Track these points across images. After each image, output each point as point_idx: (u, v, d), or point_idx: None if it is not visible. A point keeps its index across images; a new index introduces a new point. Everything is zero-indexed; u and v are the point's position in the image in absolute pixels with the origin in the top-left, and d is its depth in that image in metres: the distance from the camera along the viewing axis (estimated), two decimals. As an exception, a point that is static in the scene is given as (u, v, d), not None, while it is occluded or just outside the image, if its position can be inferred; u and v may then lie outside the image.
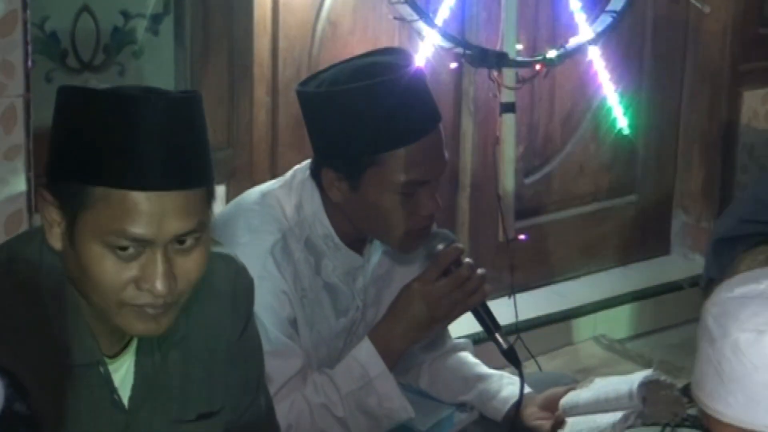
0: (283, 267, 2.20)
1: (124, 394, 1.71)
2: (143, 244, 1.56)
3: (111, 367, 1.69)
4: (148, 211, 1.54)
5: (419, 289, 2.20)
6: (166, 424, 1.75)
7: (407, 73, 2.18)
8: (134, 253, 1.56)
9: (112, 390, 1.69)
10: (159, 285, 1.56)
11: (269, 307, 2.17)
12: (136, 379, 1.72)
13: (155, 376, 1.73)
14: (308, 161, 2.28)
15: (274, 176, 2.56)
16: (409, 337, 2.22)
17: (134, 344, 1.71)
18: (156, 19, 2.86)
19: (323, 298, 2.27)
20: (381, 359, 2.20)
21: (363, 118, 2.15)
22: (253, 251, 2.16)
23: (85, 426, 1.67)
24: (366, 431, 2.23)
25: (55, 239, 1.60)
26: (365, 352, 2.21)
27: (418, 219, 2.20)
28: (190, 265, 1.60)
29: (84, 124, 1.56)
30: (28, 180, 2.23)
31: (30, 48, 2.24)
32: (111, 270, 1.56)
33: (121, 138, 1.55)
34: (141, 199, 1.54)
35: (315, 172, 2.24)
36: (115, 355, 1.70)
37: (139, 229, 1.54)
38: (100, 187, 1.55)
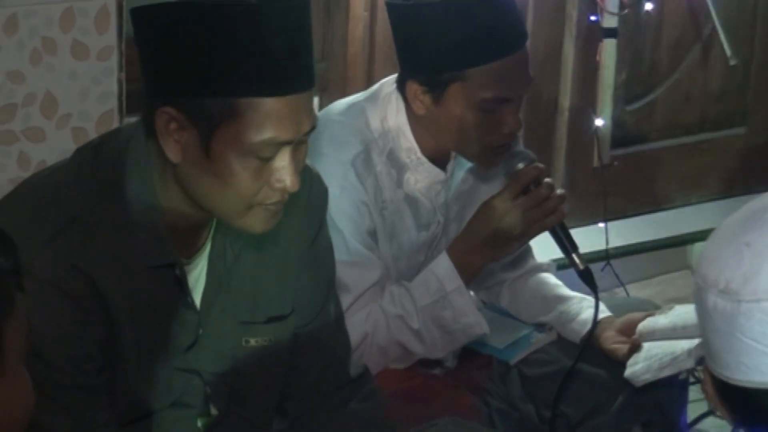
0: (363, 178, 2.21)
1: (197, 294, 1.74)
2: (281, 145, 1.60)
3: (185, 269, 1.72)
4: (288, 114, 1.60)
5: (497, 206, 2.19)
6: (237, 325, 1.78)
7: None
8: (271, 155, 1.60)
9: (186, 291, 1.72)
10: (292, 182, 1.62)
11: (349, 217, 2.18)
12: (208, 280, 1.74)
13: (227, 278, 1.75)
14: (396, 75, 2.28)
15: (369, 92, 2.56)
16: (486, 254, 2.22)
17: (208, 246, 1.74)
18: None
19: (404, 211, 2.27)
20: (458, 274, 2.21)
21: (450, 33, 2.14)
22: (335, 162, 2.17)
23: (158, 325, 1.71)
24: (441, 344, 2.25)
25: (175, 153, 1.62)
26: (443, 266, 2.22)
27: (498, 136, 2.19)
28: (302, 159, 1.66)
29: (211, 39, 1.57)
30: (120, 81, 2.26)
31: (124, -51, 2.26)
32: (251, 176, 1.61)
33: (255, 47, 1.57)
34: (282, 104, 1.59)
35: (401, 85, 2.24)
36: (189, 257, 1.73)
37: (284, 134, 1.60)
38: (243, 98, 1.57)
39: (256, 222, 1.66)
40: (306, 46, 1.63)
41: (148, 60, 1.63)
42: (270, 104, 1.59)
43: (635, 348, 2.25)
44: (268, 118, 1.59)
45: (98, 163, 1.67)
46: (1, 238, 1.17)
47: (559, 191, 2.21)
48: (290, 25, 1.60)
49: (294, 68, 1.61)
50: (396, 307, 2.21)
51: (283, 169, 1.62)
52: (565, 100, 3.54)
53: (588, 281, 2.22)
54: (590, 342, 2.29)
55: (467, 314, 2.22)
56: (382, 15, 3.12)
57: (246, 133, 1.59)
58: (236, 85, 1.59)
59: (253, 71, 1.58)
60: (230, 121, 1.59)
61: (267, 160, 1.61)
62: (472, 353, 2.39)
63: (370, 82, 3.12)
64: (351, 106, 2.28)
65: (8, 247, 1.17)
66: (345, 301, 2.06)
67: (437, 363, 2.34)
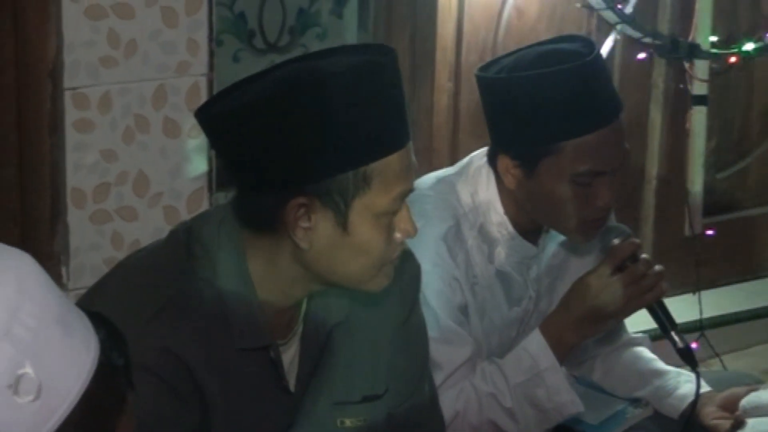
0: (455, 253, 2.19)
1: (291, 376, 1.72)
2: (404, 197, 1.67)
3: (279, 350, 1.70)
4: (407, 166, 1.65)
5: (593, 283, 2.15)
6: (332, 406, 1.76)
7: (590, 61, 2.13)
8: (397, 209, 1.65)
9: (280, 374, 1.70)
10: (414, 226, 1.68)
11: (440, 293, 2.16)
12: (301, 361, 1.73)
13: (321, 358, 1.74)
14: (486, 148, 2.26)
15: (453, 163, 2.55)
16: (580, 331, 2.18)
17: (300, 327, 1.73)
18: (340, 1, 2.88)
19: (495, 287, 2.24)
20: (551, 352, 2.17)
21: (543, 106, 2.12)
22: (426, 237, 2.15)
23: (250, 407, 1.69)
24: (534, 423, 2.21)
25: (305, 240, 1.62)
26: (536, 343, 2.18)
27: (593, 210, 2.15)
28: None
29: (335, 111, 1.58)
30: (210, 158, 2.27)
31: (215, 27, 2.27)
32: (384, 236, 1.64)
33: (375, 109, 1.60)
34: (402, 157, 1.64)
35: (491, 159, 2.22)
36: (283, 338, 1.71)
37: (408, 184, 1.66)
38: (372, 163, 1.60)
39: (383, 280, 1.68)
40: (404, 95, 1.67)
41: (264, 154, 1.60)
42: (396, 159, 1.61)
43: (739, 425, 2.20)
44: (397, 173, 1.63)
45: (191, 247, 1.67)
46: (116, 334, 1.16)
47: (657, 267, 2.16)
48: (392, 81, 1.62)
49: (403, 121, 1.64)
50: (488, 385, 2.18)
51: (406, 218, 1.65)
52: (653, 169, 3.51)
53: (688, 359, 2.17)
54: (691, 418, 2.23)
55: (561, 393, 2.18)
56: (466, 85, 3.13)
57: (381, 195, 1.61)
58: (368, 151, 1.60)
59: (382, 131, 1.60)
60: (365, 189, 1.59)
61: (393, 215, 1.64)
62: (565, 430, 2.34)
63: (454, 153, 3.12)
64: (440, 181, 2.27)
65: (121, 344, 1.16)
66: (436, 378, 2.03)
67: (529, 441, 2.30)
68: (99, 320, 1.17)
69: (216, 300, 1.64)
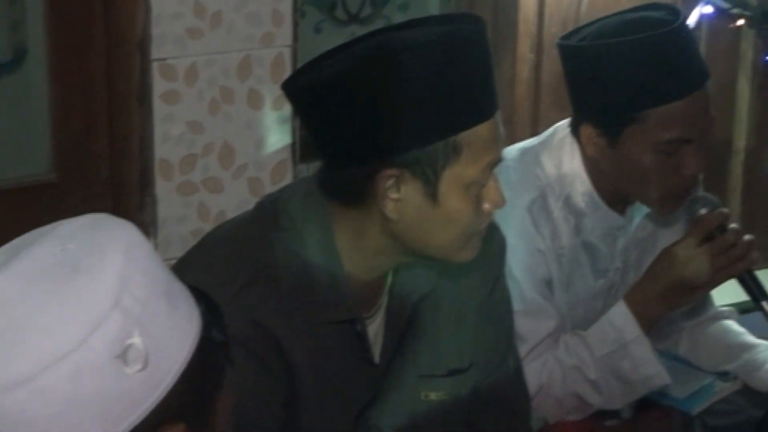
0: (540, 225, 2.17)
1: (376, 349, 1.73)
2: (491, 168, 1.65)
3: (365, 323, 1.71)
4: (498, 133, 1.65)
5: (680, 254, 2.12)
6: (416, 379, 1.76)
7: (675, 28, 2.10)
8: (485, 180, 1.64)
9: (365, 346, 1.70)
10: (502, 197, 1.67)
11: (524, 265, 2.14)
12: (386, 334, 1.73)
13: (406, 331, 1.74)
14: (569, 119, 2.24)
15: (534, 134, 2.53)
16: (667, 303, 2.15)
17: (385, 300, 1.73)
18: (424, -28, 2.87)
19: (582, 258, 2.23)
20: (637, 323, 2.15)
21: (626, 74, 2.09)
22: (510, 209, 2.12)
23: (335, 380, 1.70)
24: (619, 396, 2.19)
25: (395, 211, 1.61)
26: (621, 315, 2.16)
27: (679, 180, 2.13)
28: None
29: (428, 81, 1.57)
30: (293, 130, 2.27)
31: (299, -1, 2.28)
32: (473, 207, 1.64)
33: (466, 77, 1.59)
34: (492, 126, 1.63)
35: (575, 129, 2.20)
36: (368, 311, 1.72)
37: (499, 154, 1.65)
38: (462, 133, 1.59)
39: (471, 252, 1.67)
40: (493, 64, 1.66)
41: (353, 126, 1.60)
42: (485, 129, 1.61)
43: None
44: (486, 143, 1.62)
45: (279, 219, 1.68)
46: (215, 310, 1.17)
47: (747, 237, 2.13)
48: (480, 50, 1.62)
49: (491, 90, 1.64)
50: (572, 358, 2.16)
51: (494, 189, 1.64)
52: (740, 140, 3.46)
53: (779, 330, 2.14)
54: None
55: (647, 365, 2.16)
56: (548, 57, 3.10)
57: (470, 165, 1.60)
58: (459, 120, 1.59)
59: (471, 101, 1.60)
60: (454, 159, 1.59)
61: (482, 186, 1.63)
62: (650, 404, 2.32)
63: (535, 125, 3.09)
64: (524, 152, 2.25)
65: (220, 320, 1.16)
66: (520, 351, 2.02)
67: (613, 414, 2.28)
68: (199, 295, 1.17)
69: (303, 272, 1.65)
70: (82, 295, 1.04)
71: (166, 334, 1.08)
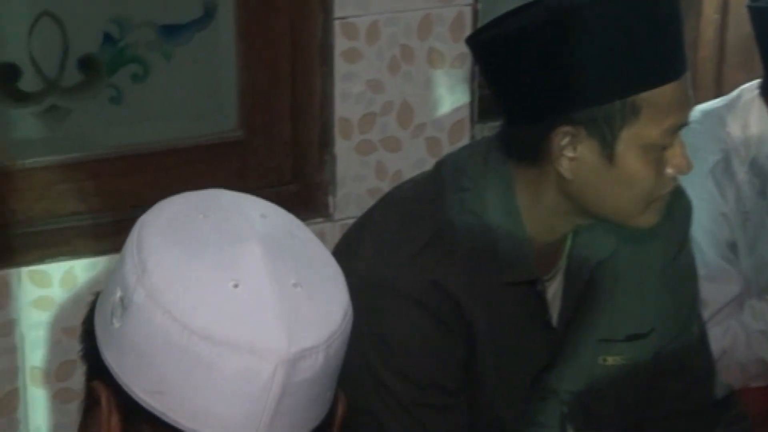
0: (723, 188, 2.13)
1: (553, 312, 1.71)
2: (677, 130, 1.59)
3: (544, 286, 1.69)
4: (684, 95, 1.58)
5: None
6: (595, 344, 1.74)
7: None
8: (669, 143, 1.58)
9: (544, 309, 1.69)
10: (689, 162, 1.60)
11: (707, 229, 2.11)
12: (564, 297, 1.71)
13: (584, 295, 1.71)
14: (757, 81, 2.18)
15: (718, 96, 2.48)
16: None
17: (564, 263, 1.71)
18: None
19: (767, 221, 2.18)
20: None
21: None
22: (693, 172, 2.08)
23: (515, 344, 1.68)
24: (807, 362, 2.15)
25: (569, 170, 1.58)
26: None
27: None
28: None
29: (612, 37, 1.54)
30: (473, 90, 2.26)
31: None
32: (654, 170, 1.58)
33: (652, 35, 1.56)
34: (679, 86, 1.57)
35: (764, 91, 2.14)
36: (546, 274, 1.70)
37: (683, 117, 1.58)
38: (644, 93, 1.54)
39: (653, 216, 1.63)
40: (682, 23, 1.60)
41: (532, 81, 1.59)
42: (669, 91, 1.55)
43: None
44: (670, 104, 1.56)
45: (459, 179, 1.67)
46: None
47: None
48: (668, 7, 1.57)
49: (679, 49, 1.58)
50: (758, 322, 2.13)
51: (679, 154, 1.59)
52: None
53: None
54: None
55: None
56: (734, 17, 3.01)
57: (650, 126, 1.56)
58: (640, 80, 1.55)
59: (655, 61, 1.55)
60: (633, 120, 1.55)
61: (664, 150, 1.58)
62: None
63: (719, 86, 3.02)
64: (707, 114, 2.21)
65: None
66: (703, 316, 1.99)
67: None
68: None
69: (484, 233, 1.64)
70: None
71: None
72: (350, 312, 1.03)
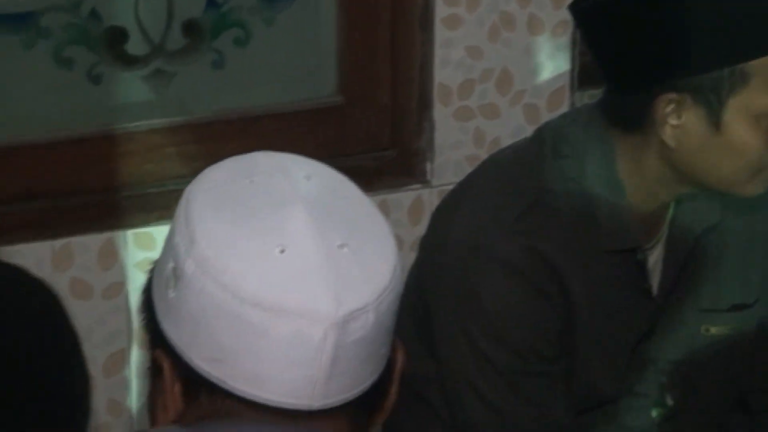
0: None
1: (653, 281, 1.70)
2: None
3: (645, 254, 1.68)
4: None
5: None
6: (695, 313, 1.72)
7: None
8: None
9: (645, 277, 1.68)
10: None
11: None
12: (665, 266, 1.70)
13: (686, 263, 1.70)
14: None
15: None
16: None
17: (665, 231, 1.70)
18: None
19: None
20: None
21: None
22: None
23: (614, 312, 1.68)
24: None
25: (673, 137, 1.56)
26: None
27: None
28: None
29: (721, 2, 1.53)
30: (573, 58, 2.24)
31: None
32: (764, 140, 1.55)
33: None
34: None
35: None
36: (648, 243, 1.68)
37: None
38: (753, 61, 1.52)
39: (760, 186, 1.60)
40: None
41: (636, 47, 1.57)
42: None
43: None
44: None
45: (559, 146, 1.66)
46: None
47: None
48: None
49: None
50: None
51: None
52: None
53: None
54: None
55: None
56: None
57: (759, 95, 1.53)
58: (750, 47, 1.52)
59: (761, 28, 1.52)
60: (742, 88, 1.53)
61: None
62: None
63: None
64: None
65: None
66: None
67: None
68: None
69: (583, 200, 1.63)
70: None
71: None
72: (399, 268, 1.02)
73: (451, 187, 1.88)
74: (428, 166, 2.19)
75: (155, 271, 1.05)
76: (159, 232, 1.95)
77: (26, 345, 1.09)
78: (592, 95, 2.20)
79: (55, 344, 1.11)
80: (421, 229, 1.89)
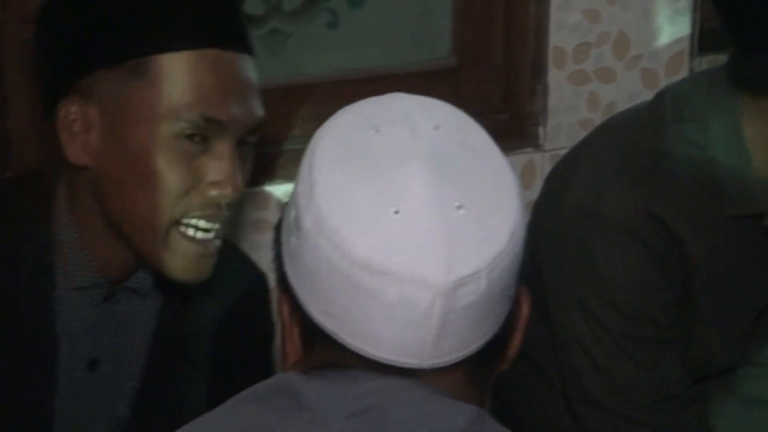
0: None
1: None
2: None
3: None
4: None
5: None
6: None
7: None
8: None
9: None
10: None
11: None
12: None
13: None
14: None
15: None
16: None
17: None
18: None
19: None
20: None
21: None
22: None
23: (734, 278, 1.65)
24: None
25: None
26: None
27: None
28: None
29: None
30: (694, 21, 2.20)
31: None
32: None
33: None
34: None
35: None
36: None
37: None
38: None
39: None
40: None
41: (764, 8, 1.54)
42: None
43: None
44: None
45: (681, 110, 1.63)
46: None
47: None
48: None
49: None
50: None
51: None
52: None
53: None
54: None
55: None
56: None
57: None
58: None
59: None
60: None
61: None
62: None
63: None
64: None
65: None
66: None
67: None
68: None
69: (706, 165, 1.60)
70: None
71: None
72: (519, 231, 1.00)
73: (563, 151, 1.86)
74: (541, 130, 2.17)
75: (284, 212, 1.06)
76: (274, 191, 1.96)
77: None
78: (712, 60, 2.16)
79: None
80: (533, 193, 1.87)
